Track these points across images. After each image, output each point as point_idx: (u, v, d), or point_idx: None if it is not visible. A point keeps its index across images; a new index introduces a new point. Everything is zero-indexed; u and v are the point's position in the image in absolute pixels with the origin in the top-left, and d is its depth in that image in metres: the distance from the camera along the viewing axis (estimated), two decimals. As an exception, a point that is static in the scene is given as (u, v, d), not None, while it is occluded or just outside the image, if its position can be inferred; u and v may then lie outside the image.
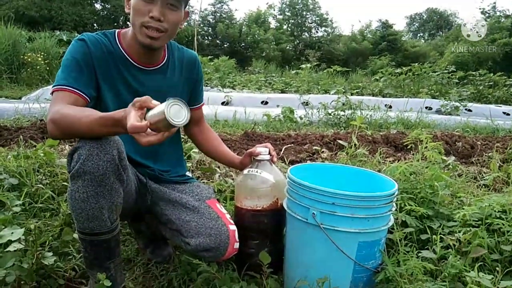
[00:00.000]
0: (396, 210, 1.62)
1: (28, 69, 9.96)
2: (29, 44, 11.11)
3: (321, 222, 1.27)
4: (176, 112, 0.98)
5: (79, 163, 1.11)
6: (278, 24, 27.27)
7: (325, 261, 1.32)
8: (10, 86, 9.33)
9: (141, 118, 0.99)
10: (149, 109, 1.01)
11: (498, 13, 21.23)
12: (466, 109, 7.59)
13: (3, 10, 18.93)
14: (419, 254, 1.47)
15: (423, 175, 1.90)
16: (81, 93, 1.27)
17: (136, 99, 1.01)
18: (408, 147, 2.49)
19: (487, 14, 22.64)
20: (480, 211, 1.63)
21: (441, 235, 1.55)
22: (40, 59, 10.11)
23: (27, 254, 1.45)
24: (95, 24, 22.85)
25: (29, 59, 9.96)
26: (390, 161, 2.97)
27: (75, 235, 1.58)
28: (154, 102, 1.01)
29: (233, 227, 1.40)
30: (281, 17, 28.47)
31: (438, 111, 7.60)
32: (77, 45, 1.32)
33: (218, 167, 2.53)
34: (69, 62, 1.29)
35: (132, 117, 0.97)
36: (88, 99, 1.29)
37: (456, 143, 3.97)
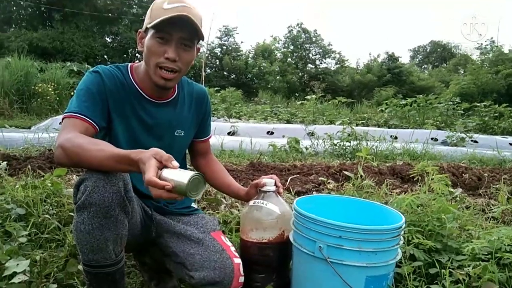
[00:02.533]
0: (403, 243, 1.60)
1: (38, 99, 10.17)
2: (41, 74, 11.39)
3: (328, 256, 1.26)
4: (194, 185, 1.06)
5: (85, 194, 1.12)
6: (283, 57, 27.75)
7: (332, 295, 1.30)
8: (21, 116, 9.50)
9: (156, 172, 1.03)
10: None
11: (498, 46, 21.47)
12: (472, 140, 7.56)
13: (18, 42, 19.53)
14: (428, 289, 1.44)
15: (430, 207, 1.89)
16: (92, 122, 1.30)
17: (158, 152, 1.06)
18: (415, 178, 2.48)
19: (487, 49, 23.00)
20: (489, 244, 1.60)
21: (450, 269, 1.53)
22: (50, 89, 10.33)
23: (31, 286, 1.45)
24: (105, 56, 23.43)
25: (40, 90, 10.18)
26: (396, 193, 2.95)
27: (80, 267, 1.57)
28: (174, 163, 1.06)
29: (238, 260, 1.38)
30: (285, 50, 28.99)
31: (444, 142, 7.58)
32: (92, 77, 1.36)
33: (224, 197, 2.52)
34: (83, 92, 1.33)
35: (152, 171, 1.02)
36: (98, 129, 1.32)
37: (463, 174, 3.94)
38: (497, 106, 11.78)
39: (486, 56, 19.22)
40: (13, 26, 22.82)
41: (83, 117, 1.29)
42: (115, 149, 1.14)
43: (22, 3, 22.37)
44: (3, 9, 22.42)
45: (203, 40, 1.41)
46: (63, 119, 1.30)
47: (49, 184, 2.17)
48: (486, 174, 3.96)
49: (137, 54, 23.15)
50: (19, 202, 2.02)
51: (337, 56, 29.85)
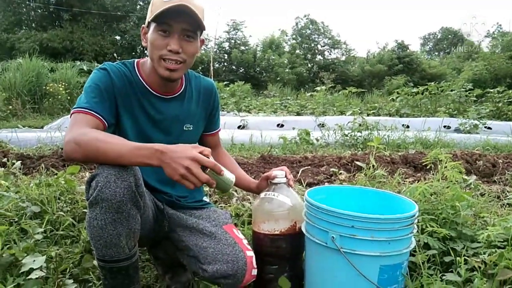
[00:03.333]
0: (417, 232, 1.59)
1: (50, 99, 10.30)
2: (51, 74, 11.52)
3: (341, 246, 1.25)
4: (232, 180, 1.24)
5: (96, 190, 1.13)
6: (291, 48, 27.57)
7: (346, 286, 1.29)
8: (33, 116, 9.63)
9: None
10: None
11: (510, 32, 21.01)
12: (485, 127, 7.45)
13: (29, 43, 19.79)
14: (443, 277, 1.43)
15: (444, 195, 1.86)
16: (102, 118, 1.30)
17: (197, 145, 1.17)
18: (428, 167, 2.45)
19: (493, 36, 22.64)
20: (505, 231, 1.58)
21: (466, 257, 1.51)
22: (61, 88, 10.45)
23: (48, 281, 1.47)
24: (115, 54, 23.58)
25: (51, 89, 10.31)
26: (409, 182, 2.92)
27: (95, 262, 1.59)
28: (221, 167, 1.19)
29: (250, 253, 1.38)
30: (293, 41, 28.81)
31: (457, 130, 7.48)
32: (99, 74, 1.37)
33: (236, 191, 2.53)
34: (91, 89, 1.33)
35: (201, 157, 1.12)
36: (107, 125, 1.32)
37: (477, 161, 3.88)
38: (510, 91, 11.55)
39: (496, 42, 18.87)
40: (24, 27, 23.06)
41: (93, 112, 1.29)
42: (133, 142, 1.17)
43: (31, 4, 22.57)
44: (13, 11, 22.66)
45: (204, 30, 1.40)
46: (71, 114, 1.30)
47: (63, 182, 2.20)
48: (500, 161, 3.90)
49: (145, 51, 23.26)
50: (34, 200, 2.05)
51: (344, 46, 29.60)
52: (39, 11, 23.84)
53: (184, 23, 1.33)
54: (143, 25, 1.43)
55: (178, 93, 1.50)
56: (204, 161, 1.11)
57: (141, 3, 24.98)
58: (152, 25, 1.34)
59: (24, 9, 23.27)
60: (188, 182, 1.11)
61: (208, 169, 1.14)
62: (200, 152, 1.13)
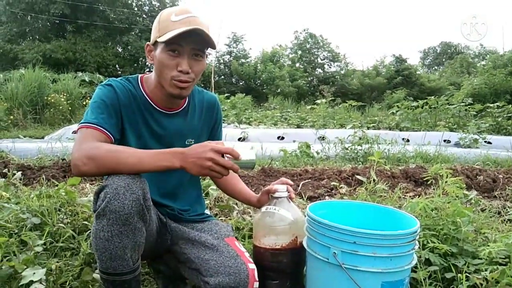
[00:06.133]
0: (419, 247, 1.59)
1: (51, 109, 10.33)
2: (53, 85, 11.58)
3: (342, 262, 1.25)
4: (252, 158, 1.28)
5: (105, 202, 1.14)
6: (291, 62, 27.71)
7: (347, 302, 1.28)
8: (34, 126, 9.66)
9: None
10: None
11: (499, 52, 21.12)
12: (485, 142, 7.45)
13: (32, 54, 19.89)
14: (445, 294, 1.42)
15: (445, 211, 1.86)
16: (109, 133, 1.32)
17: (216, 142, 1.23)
18: (428, 182, 2.45)
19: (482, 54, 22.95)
20: (506, 247, 1.58)
21: (467, 274, 1.50)
22: (63, 99, 10.49)
23: (47, 294, 1.46)
24: (117, 66, 23.70)
25: (52, 100, 10.35)
26: (410, 196, 2.92)
27: (95, 275, 1.59)
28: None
29: (252, 266, 1.38)
30: (294, 55, 28.97)
31: (457, 144, 7.48)
32: (105, 90, 1.38)
33: (236, 204, 2.52)
34: (98, 104, 1.35)
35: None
36: (113, 140, 1.34)
37: (477, 176, 3.88)
38: (510, 106, 11.59)
39: (488, 61, 19.07)
40: (28, 38, 23.19)
41: (101, 128, 1.31)
42: (151, 150, 1.25)
43: (38, 15, 22.71)
44: (19, 22, 22.81)
45: (214, 49, 1.42)
46: (79, 128, 1.32)
47: (63, 193, 2.20)
48: (501, 176, 3.89)
49: (147, 63, 23.38)
50: (34, 211, 2.04)
51: (343, 60, 29.76)
52: (42, 22, 23.99)
53: (193, 43, 1.35)
54: (148, 43, 1.43)
55: (182, 108, 1.52)
56: (222, 149, 1.20)
57: (144, 16, 25.21)
58: (161, 45, 1.35)
59: (30, 21, 23.39)
60: (215, 173, 1.20)
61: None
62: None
